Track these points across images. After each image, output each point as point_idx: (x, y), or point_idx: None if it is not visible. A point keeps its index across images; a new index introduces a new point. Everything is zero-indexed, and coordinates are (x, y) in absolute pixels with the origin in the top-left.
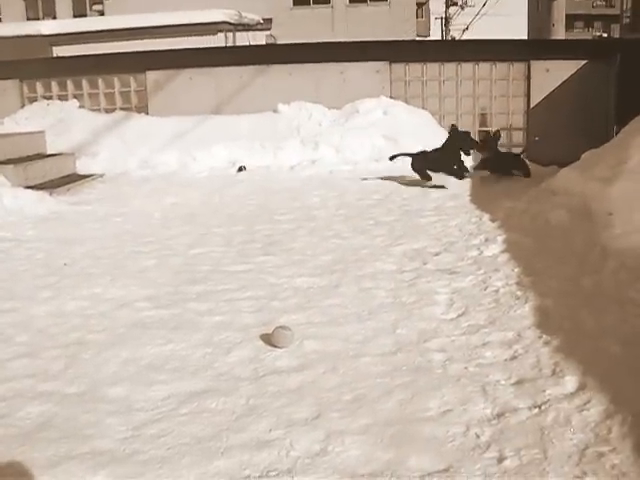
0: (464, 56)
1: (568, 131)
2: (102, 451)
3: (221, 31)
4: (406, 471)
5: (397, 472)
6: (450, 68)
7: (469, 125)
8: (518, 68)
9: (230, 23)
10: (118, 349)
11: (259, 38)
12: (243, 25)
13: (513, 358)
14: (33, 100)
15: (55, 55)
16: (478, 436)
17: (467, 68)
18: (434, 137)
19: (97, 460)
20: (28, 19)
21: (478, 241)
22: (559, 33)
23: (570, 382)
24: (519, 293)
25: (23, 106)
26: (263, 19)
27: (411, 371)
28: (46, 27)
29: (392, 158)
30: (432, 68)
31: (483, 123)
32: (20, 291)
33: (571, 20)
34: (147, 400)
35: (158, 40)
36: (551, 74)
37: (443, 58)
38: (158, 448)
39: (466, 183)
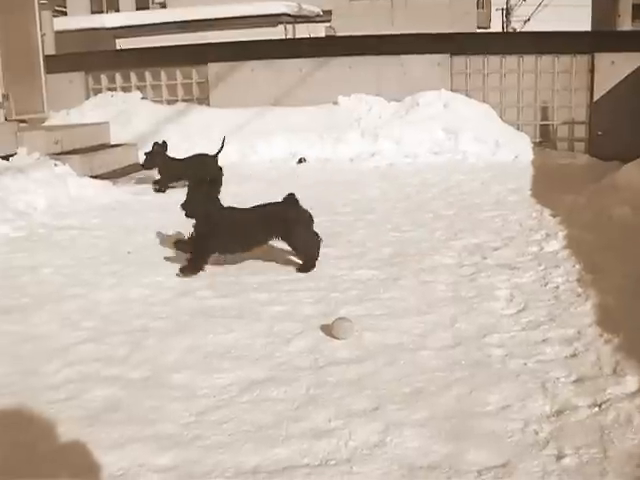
0: (526, 48)
1: (633, 126)
2: (166, 435)
3: (281, 23)
4: (464, 465)
5: (455, 465)
6: (512, 61)
7: (530, 119)
8: (581, 60)
9: (290, 15)
10: (181, 336)
11: (318, 30)
12: (302, 17)
13: (573, 355)
14: (98, 92)
15: (118, 47)
16: (537, 432)
17: (529, 61)
18: (495, 131)
19: (161, 444)
20: (92, 12)
21: (539, 236)
22: (625, 24)
23: (631, 382)
24: (580, 290)
25: (88, 97)
26: (322, 11)
27: (470, 365)
28: (110, 20)
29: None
30: (493, 61)
31: (545, 116)
32: (86, 278)
33: (638, 10)
34: (209, 387)
35: (218, 32)
36: (616, 67)
37: (504, 50)
38: (220, 434)
39: (526, 177)
